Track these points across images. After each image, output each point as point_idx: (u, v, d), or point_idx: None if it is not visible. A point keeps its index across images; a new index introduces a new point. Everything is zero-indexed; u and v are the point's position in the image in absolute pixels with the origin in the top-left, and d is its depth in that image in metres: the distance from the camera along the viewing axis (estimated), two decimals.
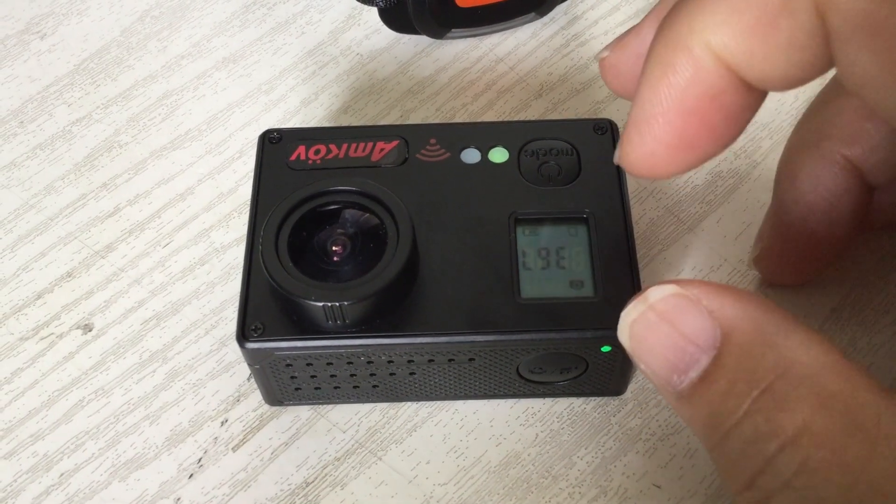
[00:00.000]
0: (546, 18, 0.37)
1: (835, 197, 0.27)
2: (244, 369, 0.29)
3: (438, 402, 0.28)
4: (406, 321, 0.25)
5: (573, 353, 0.25)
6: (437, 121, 0.34)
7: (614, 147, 0.28)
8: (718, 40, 0.20)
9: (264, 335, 0.25)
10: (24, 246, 0.32)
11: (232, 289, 0.31)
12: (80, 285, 0.31)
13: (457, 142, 0.28)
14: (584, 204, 0.27)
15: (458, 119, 0.34)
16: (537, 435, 0.28)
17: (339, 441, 0.28)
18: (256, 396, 0.28)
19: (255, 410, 0.28)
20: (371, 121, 0.34)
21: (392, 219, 0.25)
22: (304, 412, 0.28)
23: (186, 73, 0.36)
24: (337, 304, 0.24)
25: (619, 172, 0.27)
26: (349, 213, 0.26)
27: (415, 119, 0.34)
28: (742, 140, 0.33)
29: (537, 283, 0.26)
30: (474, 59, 0.36)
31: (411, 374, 0.26)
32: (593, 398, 0.28)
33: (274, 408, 0.28)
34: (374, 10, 0.37)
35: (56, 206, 0.33)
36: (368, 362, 0.26)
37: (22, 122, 0.35)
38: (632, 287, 0.25)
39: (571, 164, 0.28)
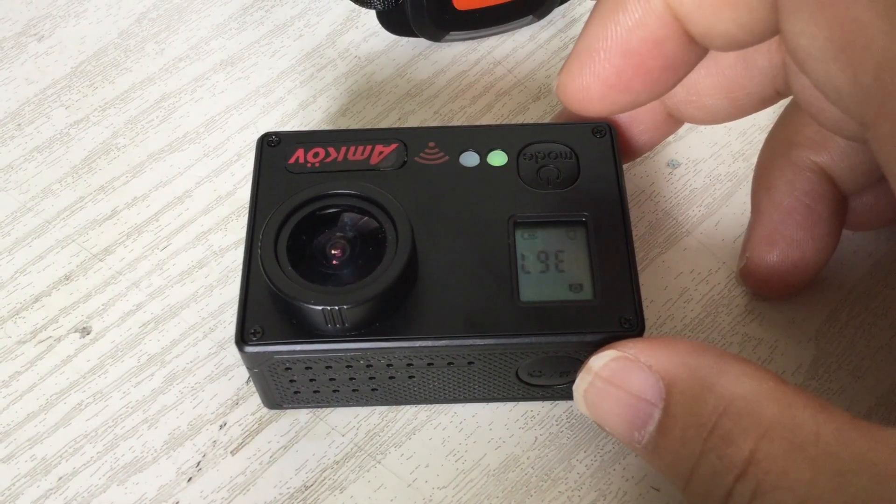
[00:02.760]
0: (544, 21, 0.37)
1: (811, 200, 0.27)
2: (243, 372, 0.29)
3: (437, 406, 0.28)
4: (405, 325, 0.25)
5: (572, 356, 0.25)
6: (435, 123, 0.34)
7: (613, 151, 0.28)
8: None
9: (263, 339, 0.25)
10: (22, 249, 0.32)
11: (230, 292, 0.31)
12: (78, 288, 0.31)
13: (456, 145, 0.28)
14: (582, 207, 0.27)
15: (457, 122, 0.34)
16: (536, 438, 0.28)
17: (338, 444, 0.28)
18: (255, 400, 0.28)
19: (253, 414, 0.28)
20: (369, 123, 0.34)
21: (391, 222, 0.25)
22: (302, 416, 0.28)
23: (184, 76, 0.36)
24: (336, 307, 0.24)
25: (618, 176, 0.27)
26: (348, 217, 0.26)
27: (413, 122, 0.34)
28: (740, 143, 0.33)
29: (536, 286, 0.26)
30: (472, 62, 0.36)
31: (410, 377, 0.26)
32: None
33: (273, 411, 0.28)
34: (372, 12, 0.37)
35: (54, 209, 0.33)
36: (367, 366, 0.26)
37: (19, 124, 0.35)
38: (631, 290, 0.25)
39: (570, 168, 0.28)
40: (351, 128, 0.34)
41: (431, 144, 0.28)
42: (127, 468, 0.27)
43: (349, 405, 0.28)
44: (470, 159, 0.28)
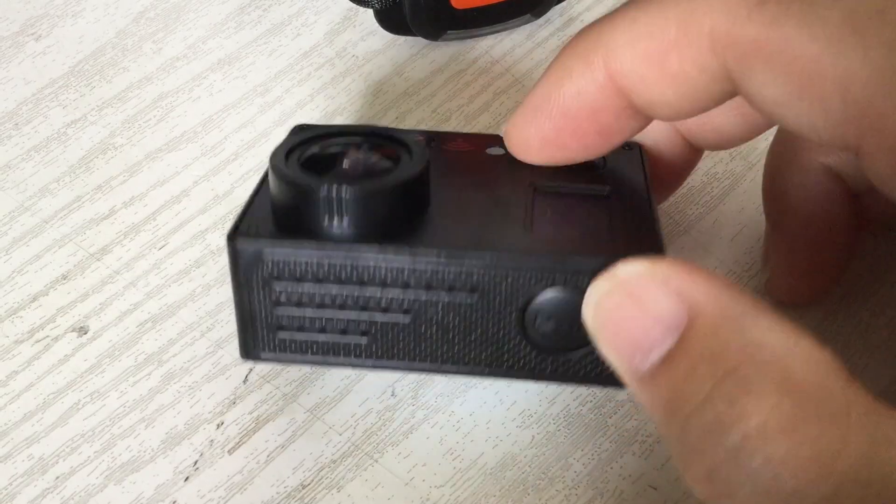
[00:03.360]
0: (542, 20, 0.37)
1: (827, 202, 0.27)
2: (240, 372, 0.29)
3: (435, 404, 0.28)
4: (408, 237, 0.24)
5: (582, 293, 0.23)
6: (433, 122, 0.34)
7: (643, 168, 0.27)
8: (616, 61, 0.23)
9: (258, 235, 0.24)
10: (19, 248, 0.32)
11: (228, 291, 0.30)
12: (76, 288, 0.31)
13: (483, 142, 0.28)
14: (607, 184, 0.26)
15: (454, 120, 0.34)
16: (534, 437, 0.28)
17: (335, 443, 0.28)
18: (253, 399, 0.28)
19: (250, 413, 0.28)
20: (367, 122, 0.34)
21: (406, 148, 0.25)
22: (300, 414, 0.28)
23: (182, 75, 0.36)
24: (338, 190, 0.23)
25: (647, 187, 0.26)
26: (363, 150, 0.25)
27: (410, 120, 0.34)
28: None
29: (551, 227, 0.25)
30: (470, 61, 0.36)
31: (405, 312, 0.24)
32: (590, 400, 0.28)
33: (270, 408, 0.28)
34: (370, 11, 0.37)
35: (51, 209, 0.33)
36: (360, 283, 0.24)
37: (17, 124, 0.35)
38: (655, 238, 0.24)
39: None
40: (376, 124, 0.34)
41: (459, 140, 0.28)
42: (124, 467, 0.27)
43: (336, 360, 0.25)
44: (496, 151, 0.28)
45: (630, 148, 0.28)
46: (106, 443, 0.28)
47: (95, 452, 0.28)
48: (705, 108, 0.23)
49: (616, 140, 0.25)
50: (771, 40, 0.20)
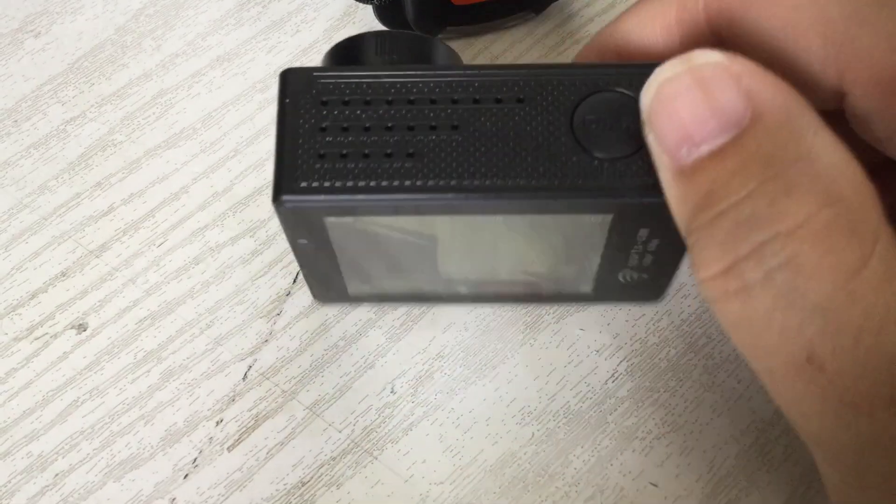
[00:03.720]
0: (541, 16, 0.37)
1: None
2: (239, 369, 0.29)
3: (434, 401, 0.28)
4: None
5: (633, 96, 0.23)
6: None
7: None
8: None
9: (305, 70, 0.24)
10: (18, 245, 0.32)
11: (227, 288, 0.30)
12: (75, 285, 0.31)
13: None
14: None
15: None
16: (533, 434, 0.28)
17: (334, 440, 0.28)
18: (252, 396, 0.28)
19: (250, 410, 0.28)
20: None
21: None
22: (299, 411, 0.28)
23: (181, 72, 0.36)
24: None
25: None
26: None
27: None
28: None
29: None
30: (469, 57, 0.36)
31: (454, 127, 0.23)
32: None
33: (269, 406, 0.28)
34: (370, 7, 0.37)
35: (50, 206, 0.32)
36: (409, 102, 0.24)
37: (16, 120, 0.35)
38: None
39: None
40: None
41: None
42: (123, 465, 0.27)
43: (377, 195, 0.23)
44: None
45: None
46: (105, 440, 0.28)
47: (95, 450, 0.28)
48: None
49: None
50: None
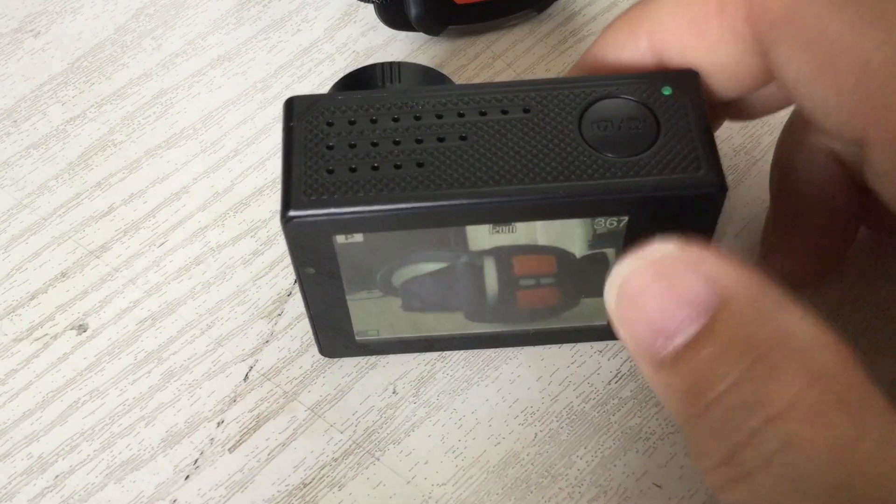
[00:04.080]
0: (543, 15, 0.37)
1: (831, 189, 0.27)
2: (240, 369, 0.29)
3: (436, 402, 0.28)
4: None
5: (638, 101, 0.23)
6: None
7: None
8: (659, 30, 0.23)
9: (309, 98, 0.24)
10: (18, 246, 0.31)
11: (227, 288, 0.30)
12: (75, 285, 0.31)
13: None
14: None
15: None
16: (536, 434, 0.27)
17: (336, 441, 0.27)
18: (253, 397, 0.28)
19: (251, 411, 0.28)
20: None
21: None
22: (300, 412, 0.28)
23: (181, 72, 0.36)
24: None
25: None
26: None
27: None
28: (741, 137, 0.33)
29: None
30: (471, 56, 0.36)
31: (462, 138, 0.23)
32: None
33: (271, 406, 0.28)
34: (370, 7, 0.36)
35: (50, 206, 0.32)
36: (416, 118, 0.24)
37: (15, 121, 0.34)
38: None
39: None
40: None
41: None
42: (124, 466, 0.27)
43: (389, 199, 0.23)
44: None
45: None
46: (106, 441, 0.28)
47: (95, 451, 0.27)
48: (741, 85, 0.23)
49: None
50: (801, 12, 0.20)
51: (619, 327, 0.21)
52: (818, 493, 0.18)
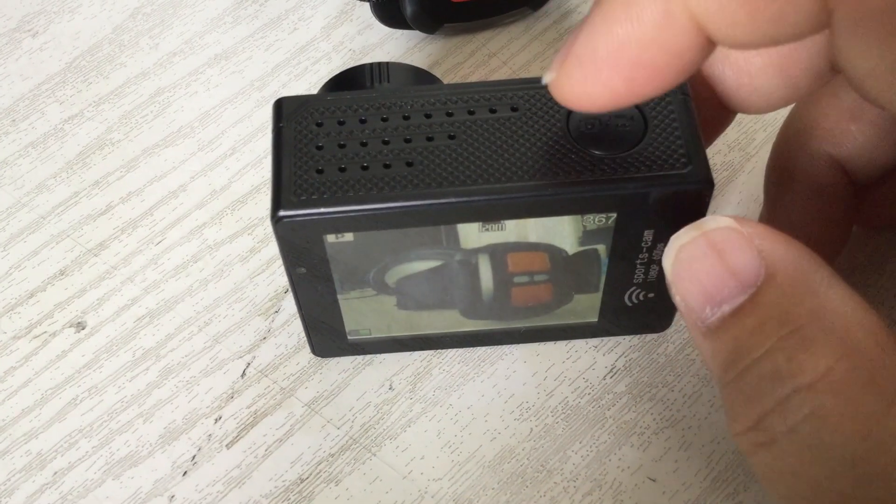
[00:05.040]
0: (538, 12, 0.37)
1: (824, 194, 0.27)
2: (237, 366, 0.29)
3: (432, 397, 0.28)
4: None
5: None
6: None
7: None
8: (701, 4, 0.20)
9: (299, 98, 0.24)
10: (17, 244, 0.32)
11: (225, 286, 0.30)
12: (73, 283, 0.31)
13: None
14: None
15: None
16: (531, 429, 0.28)
17: (333, 437, 0.28)
18: (250, 393, 0.28)
19: (248, 407, 0.28)
20: None
21: None
22: (297, 408, 0.28)
23: (178, 71, 0.36)
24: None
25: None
26: None
27: None
28: (735, 133, 0.33)
29: None
30: (467, 54, 0.36)
31: (451, 137, 0.23)
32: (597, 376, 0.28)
33: (268, 403, 0.28)
34: (367, 5, 0.37)
35: (48, 205, 0.32)
36: (404, 118, 0.24)
37: (14, 120, 0.35)
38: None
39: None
40: None
41: None
42: (122, 462, 0.27)
43: (379, 198, 0.23)
44: None
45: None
46: (104, 438, 0.28)
47: (93, 447, 0.28)
48: (787, 41, 0.21)
49: (686, 76, 0.22)
50: (887, 5, 0.19)
51: (673, 293, 0.22)
52: (840, 463, 0.19)
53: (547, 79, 0.22)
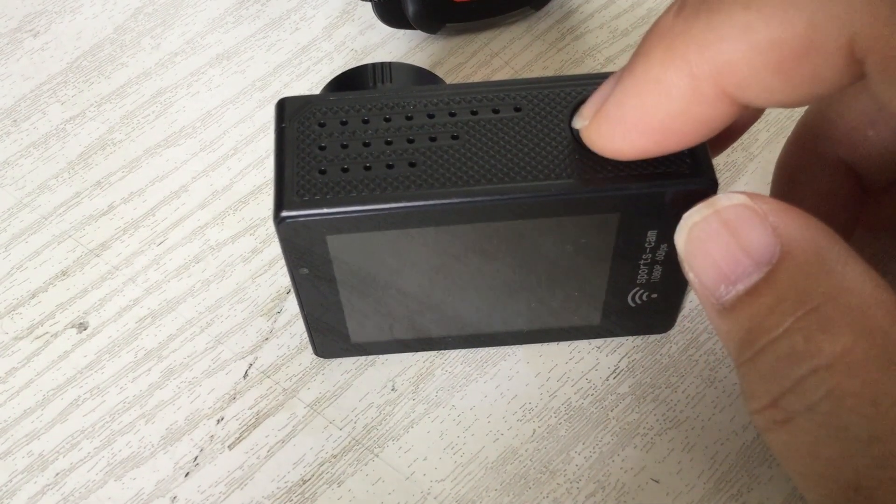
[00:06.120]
0: (540, 12, 0.37)
1: (832, 198, 0.27)
2: (240, 367, 0.29)
3: (435, 398, 0.28)
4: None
5: None
6: None
7: None
8: (733, 74, 0.20)
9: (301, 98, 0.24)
10: (18, 245, 0.32)
11: (227, 286, 0.30)
12: (75, 284, 0.31)
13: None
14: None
15: None
16: (535, 430, 0.27)
17: (335, 438, 0.28)
18: (253, 394, 0.28)
19: (251, 408, 0.28)
20: None
21: None
22: (300, 409, 0.28)
23: (180, 70, 0.36)
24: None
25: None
26: None
27: None
28: None
29: None
30: (469, 54, 0.36)
31: (454, 138, 0.23)
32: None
33: (270, 404, 0.28)
34: (369, 5, 0.37)
35: (50, 205, 0.32)
36: (407, 118, 0.24)
37: (15, 120, 0.35)
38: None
39: None
40: None
41: None
42: (124, 463, 0.27)
43: (382, 198, 0.23)
44: None
45: None
46: (106, 439, 0.28)
47: (95, 448, 0.28)
48: (824, 97, 0.21)
49: (714, 135, 0.22)
50: None
51: (687, 271, 0.21)
52: (855, 442, 0.18)
53: (577, 125, 0.23)
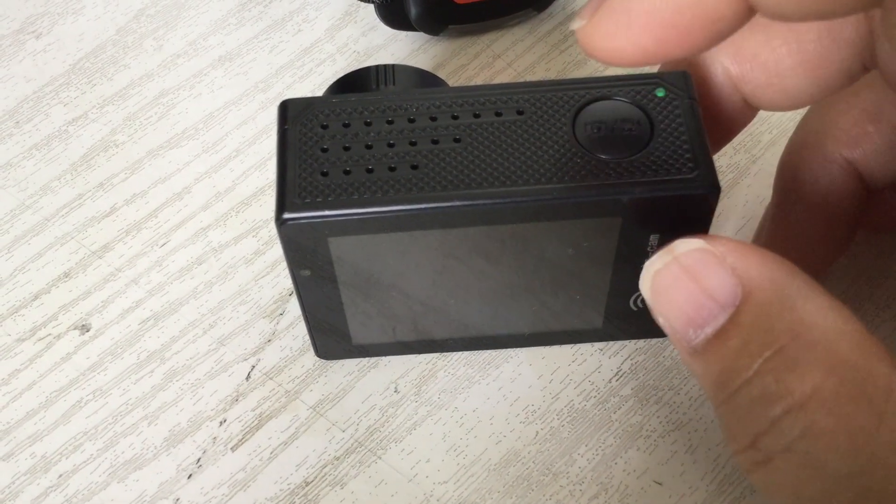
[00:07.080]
0: (543, 14, 0.37)
1: (834, 197, 0.27)
2: (242, 369, 0.29)
3: (438, 400, 0.28)
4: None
5: (631, 102, 0.24)
6: None
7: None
8: None
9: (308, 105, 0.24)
10: (21, 247, 0.32)
11: (229, 288, 0.30)
12: (78, 286, 0.31)
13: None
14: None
15: None
16: (537, 432, 0.27)
17: (338, 440, 0.28)
18: (255, 396, 0.28)
19: (253, 410, 0.28)
20: None
21: None
22: (302, 411, 0.28)
23: (182, 72, 0.36)
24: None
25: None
26: None
27: None
28: (741, 135, 0.33)
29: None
30: (472, 56, 0.36)
31: (456, 140, 0.23)
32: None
33: (273, 405, 0.28)
34: (371, 7, 0.37)
35: (52, 207, 0.32)
36: (410, 121, 0.24)
37: (18, 122, 0.35)
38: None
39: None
40: None
41: None
42: (127, 465, 0.27)
43: (384, 201, 0.23)
44: None
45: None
46: (109, 440, 0.28)
47: (98, 450, 0.28)
48: (832, 17, 0.20)
49: (717, 42, 0.21)
50: None
51: (656, 316, 0.22)
52: (837, 479, 0.19)
53: (575, 26, 0.22)
